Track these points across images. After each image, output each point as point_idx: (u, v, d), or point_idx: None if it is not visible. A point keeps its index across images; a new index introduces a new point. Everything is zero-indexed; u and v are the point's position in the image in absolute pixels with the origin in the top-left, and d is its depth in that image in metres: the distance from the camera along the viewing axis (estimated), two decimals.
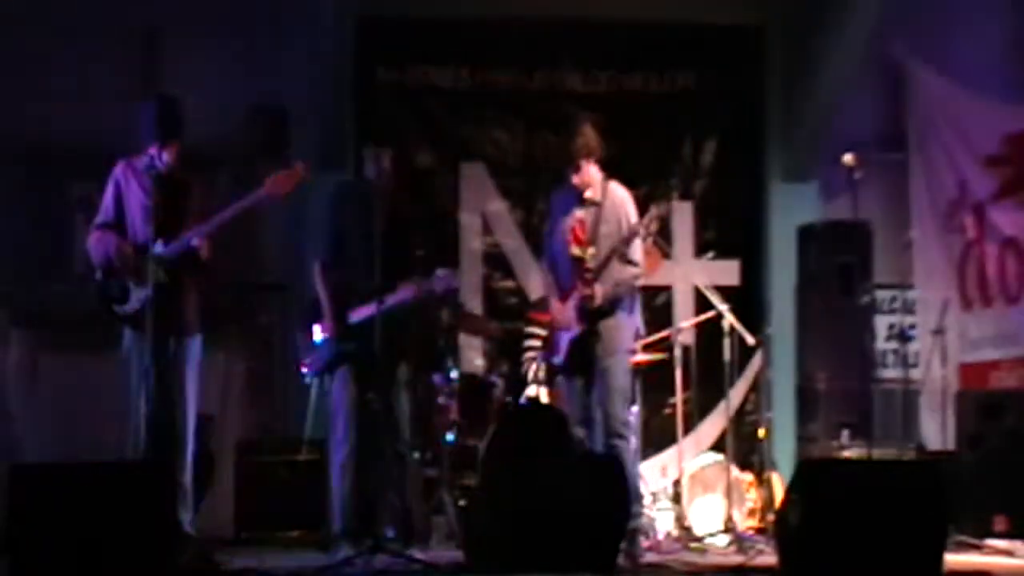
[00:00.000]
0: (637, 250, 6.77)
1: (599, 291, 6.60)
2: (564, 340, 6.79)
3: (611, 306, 6.69)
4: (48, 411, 8.74)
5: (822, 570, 5.52)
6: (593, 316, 6.67)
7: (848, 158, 7.04)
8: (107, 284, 6.68)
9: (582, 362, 6.75)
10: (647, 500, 7.59)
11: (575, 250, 6.74)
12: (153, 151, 6.68)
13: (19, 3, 8.71)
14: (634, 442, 7.74)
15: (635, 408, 7.50)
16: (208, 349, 7.02)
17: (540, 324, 8.42)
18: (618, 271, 6.68)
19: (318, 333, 6.80)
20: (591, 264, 6.63)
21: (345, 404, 6.73)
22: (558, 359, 6.87)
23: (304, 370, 6.95)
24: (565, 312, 6.76)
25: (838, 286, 8.84)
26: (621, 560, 6.36)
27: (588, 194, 6.80)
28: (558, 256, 6.88)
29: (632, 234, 6.69)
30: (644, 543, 6.95)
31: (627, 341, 6.83)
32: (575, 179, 6.80)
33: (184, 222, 6.74)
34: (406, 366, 6.79)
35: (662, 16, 9.40)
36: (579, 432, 6.78)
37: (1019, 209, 8.69)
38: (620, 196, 6.83)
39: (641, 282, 6.88)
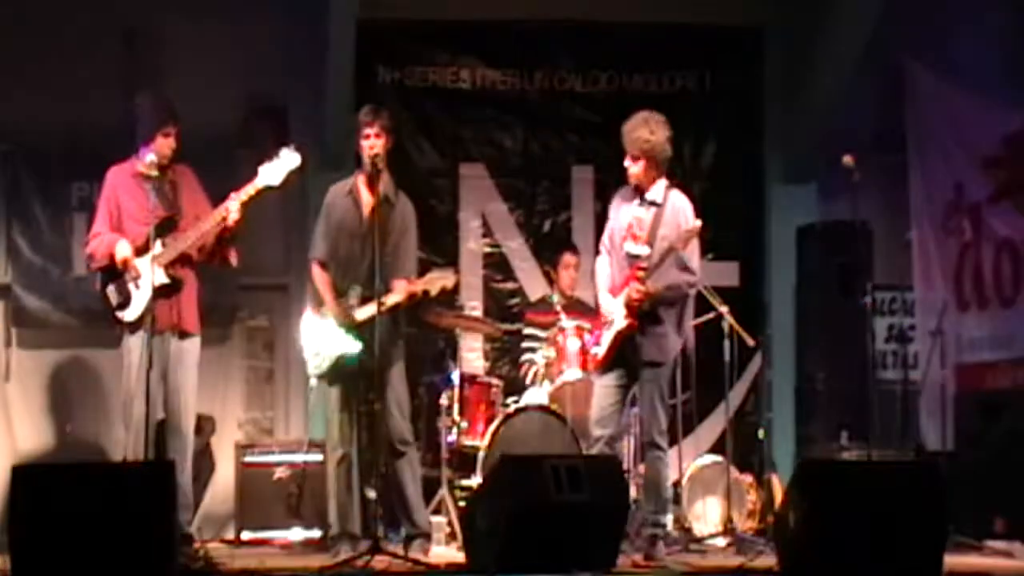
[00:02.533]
0: (694, 258, 6.71)
1: (651, 289, 6.56)
2: (608, 333, 6.76)
3: (660, 309, 6.64)
4: (47, 411, 8.74)
5: (822, 571, 5.51)
6: (642, 316, 6.64)
7: (847, 159, 7.04)
8: (111, 290, 6.69)
9: (622, 358, 6.73)
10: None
11: (631, 247, 6.69)
12: (145, 150, 6.70)
13: (17, 3, 8.70)
14: (633, 444, 7.78)
15: (635, 409, 7.49)
16: (208, 349, 7.03)
17: (537, 325, 8.43)
18: (672, 275, 6.65)
19: (322, 332, 6.78)
20: (645, 263, 6.60)
21: (340, 407, 6.74)
22: (598, 350, 6.82)
23: (311, 374, 6.92)
24: (613, 306, 6.73)
25: (837, 287, 8.84)
26: (641, 562, 6.40)
27: (649, 195, 6.75)
28: (614, 251, 6.84)
29: (690, 236, 6.61)
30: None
31: (672, 352, 6.76)
32: (634, 172, 6.73)
33: (179, 221, 6.77)
34: (402, 365, 6.80)
35: (662, 17, 9.41)
36: (598, 431, 6.76)
37: (1015, 211, 8.69)
38: (681, 202, 6.77)
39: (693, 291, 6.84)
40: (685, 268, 6.68)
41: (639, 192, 6.78)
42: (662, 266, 6.62)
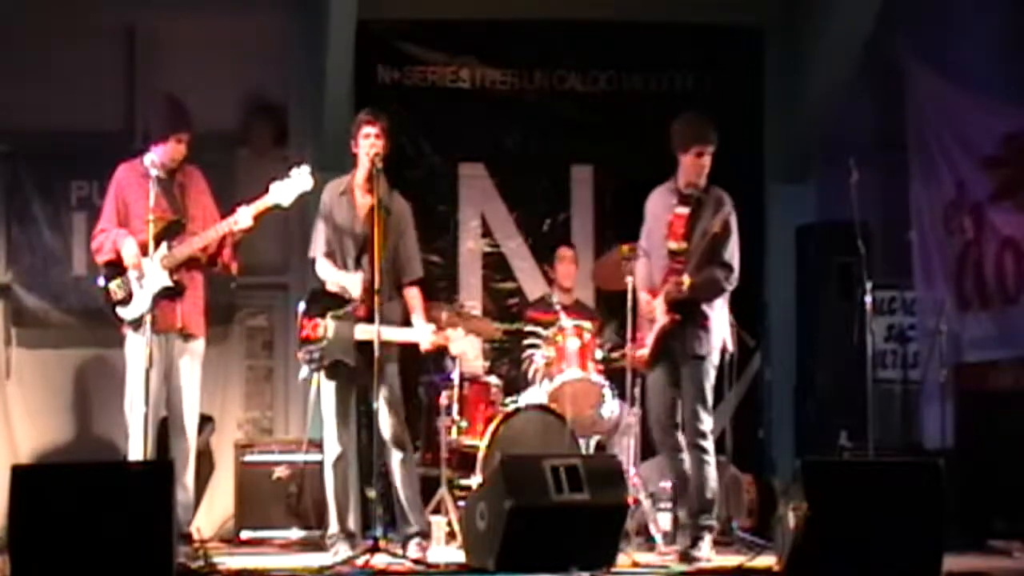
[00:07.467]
0: (733, 254, 6.73)
1: (687, 282, 6.56)
2: (651, 333, 6.76)
3: (697, 304, 6.64)
4: (47, 410, 8.74)
5: (822, 571, 5.52)
6: (683, 311, 6.62)
7: (848, 159, 7.04)
8: (114, 286, 6.68)
9: (667, 355, 6.73)
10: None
11: (671, 244, 6.68)
12: (154, 150, 6.71)
13: (18, 2, 8.70)
14: (633, 444, 7.77)
15: (635, 409, 7.50)
16: (208, 349, 7.03)
17: (538, 323, 8.43)
18: (710, 271, 6.66)
19: (318, 327, 6.78)
20: (683, 258, 6.60)
21: (335, 407, 6.73)
22: (643, 352, 6.82)
23: (302, 363, 6.90)
24: (655, 304, 6.72)
25: (837, 286, 8.84)
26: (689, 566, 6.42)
27: (690, 190, 6.75)
28: (653, 252, 6.84)
29: (723, 219, 6.64)
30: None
31: (711, 347, 6.72)
32: (706, 164, 6.73)
33: (185, 224, 6.76)
34: (396, 366, 6.80)
35: (662, 16, 9.40)
36: (657, 434, 6.77)
37: (1017, 210, 8.67)
38: (720, 197, 6.78)
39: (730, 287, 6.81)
40: (721, 263, 6.69)
41: (677, 189, 6.78)
42: (700, 262, 6.62)
